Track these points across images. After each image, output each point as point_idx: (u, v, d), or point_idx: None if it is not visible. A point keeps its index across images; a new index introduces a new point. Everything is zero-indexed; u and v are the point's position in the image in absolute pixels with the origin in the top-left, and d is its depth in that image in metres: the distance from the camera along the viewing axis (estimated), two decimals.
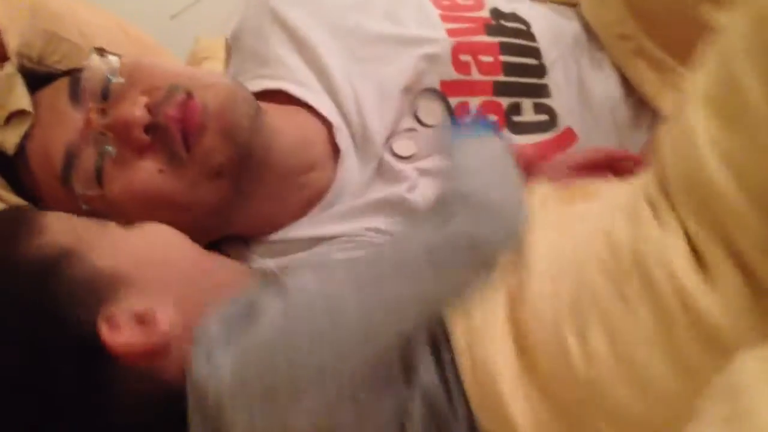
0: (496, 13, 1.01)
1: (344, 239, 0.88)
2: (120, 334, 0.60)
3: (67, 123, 0.81)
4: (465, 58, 0.94)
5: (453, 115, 0.93)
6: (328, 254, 0.87)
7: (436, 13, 0.97)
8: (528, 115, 0.95)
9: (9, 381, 0.60)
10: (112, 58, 0.85)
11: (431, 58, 0.93)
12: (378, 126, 0.91)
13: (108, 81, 0.82)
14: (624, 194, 0.65)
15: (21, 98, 0.84)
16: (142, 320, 0.61)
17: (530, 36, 0.99)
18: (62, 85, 0.84)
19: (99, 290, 0.62)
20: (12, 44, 0.87)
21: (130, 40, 1.20)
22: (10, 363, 0.60)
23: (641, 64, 0.95)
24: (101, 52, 0.86)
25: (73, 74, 0.84)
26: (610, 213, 0.62)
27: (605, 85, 0.98)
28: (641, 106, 0.98)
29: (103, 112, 0.82)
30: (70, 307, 0.60)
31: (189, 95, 0.82)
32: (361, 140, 0.92)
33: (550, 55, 0.98)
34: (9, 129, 0.84)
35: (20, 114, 0.84)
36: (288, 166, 0.89)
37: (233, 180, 0.83)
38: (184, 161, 0.80)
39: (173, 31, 1.80)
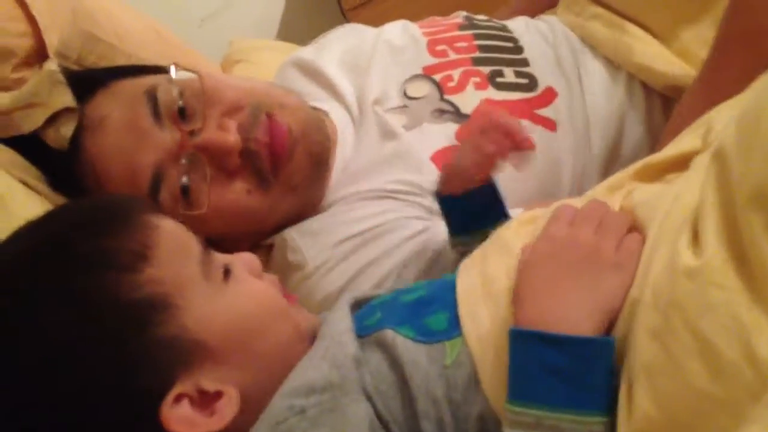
0: (469, 17, 1.14)
1: (364, 192, 0.92)
2: (180, 416, 0.56)
3: (153, 143, 0.83)
4: (440, 47, 1.06)
5: (440, 90, 1.00)
6: (351, 205, 0.91)
7: (416, 27, 1.12)
8: (510, 77, 1.01)
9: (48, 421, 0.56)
10: (188, 75, 0.87)
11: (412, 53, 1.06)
12: (376, 91, 1.02)
13: (185, 100, 0.84)
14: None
15: (64, 96, 0.86)
16: (206, 400, 0.57)
17: (504, 28, 1.09)
18: (138, 101, 0.85)
19: (178, 359, 0.57)
20: (53, 43, 0.88)
21: (162, 41, 1.22)
22: (53, 402, 0.55)
23: (596, 25, 1.03)
24: (177, 68, 0.88)
25: (149, 92, 0.85)
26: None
27: (594, 66, 1.02)
28: (632, 86, 1.00)
29: (191, 133, 0.84)
30: (144, 371, 0.56)
31: (269, 115, 0.87)
32: (359, 114, 1.02)
33: (524, 38, 1.06)
34: (58, 126, 0.86)
35: (67, 111, 0.86)
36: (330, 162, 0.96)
37: (307, 191, 0.91)
38: (270, 182, 0.87)
39: (203, 34, 1.82)
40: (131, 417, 0.56)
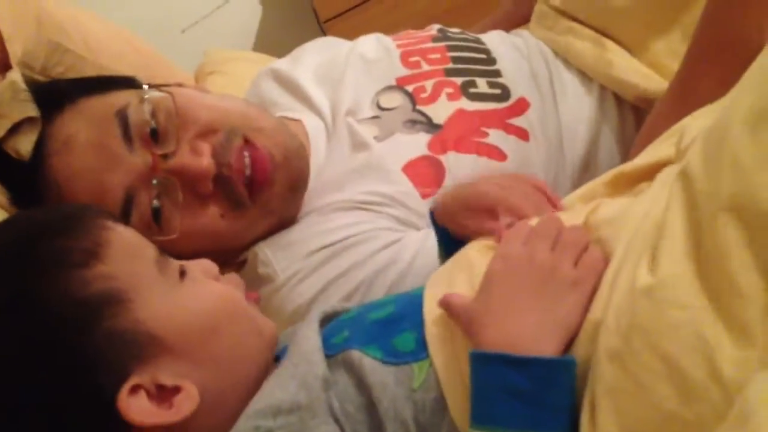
0: (442, 30, 1.14)
1: (336, 203, 0.91)
2: (138, 407, 0.55)
3: (123, 166, 0.81)
4: (414, 58, 1.06)
5: (413, 100, 0.99)
6: (324, 216, 0.90)
7: (390, 40, 1.12)
8: (482, 88, 1.01)
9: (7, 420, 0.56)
10: (160, 95, 0.85)
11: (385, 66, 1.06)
12: (349, 102, 1.02)
13: (158, 121, 0.82)
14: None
15: (26, 106, 0.84)
16: (165, 394, 0.57)
17: (477, 41, 1.10)
18: (108, 122, 0.82)
19: (133, 352, 0.56)
20: (16, 53, 0.87)
21: (137, 53, 1.21)
22: (14, 402, 0.55)
23: (571, 38, 1.04)
24: (150, 88, 0.86)
25: (120, 112, 0.82)
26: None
27: (567, 77, 1.02)
28: (605, 97, 1.01)
29: (164, 156, 0.82)
30: (97, 364, 0.56)
31: (247, 141, 0.86)
32: (332, 124, 1.01)
33: (498, 49, 1.07)
34: (20, 137, 0.84)
35: (30, 121, 0.84)
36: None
37: (285, 212, 0.90)
38: (246, 206, 0.86)
39: (183, 46, 1.81)
40: (90, 411, 0.56)
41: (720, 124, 0.52)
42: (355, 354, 0.60)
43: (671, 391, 0.46)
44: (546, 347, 0.52)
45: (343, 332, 0.64)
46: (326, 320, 0.68)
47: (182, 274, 0.63)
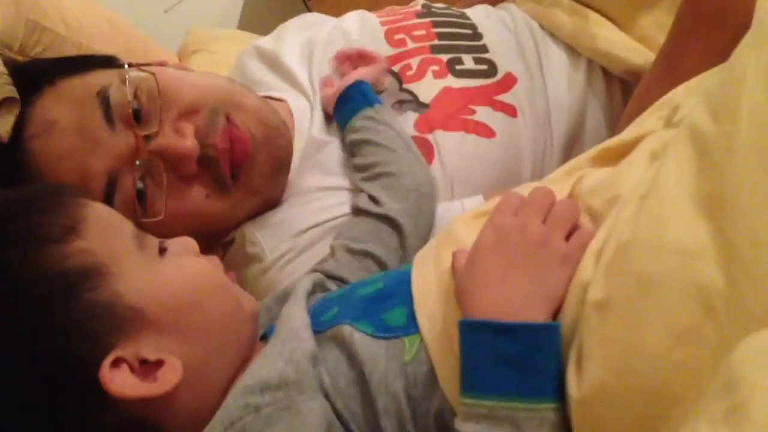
0: (426, 5, 1.13)
1: (324, 185, 0.91)
2: (121, 380, 0.55)
3: (106, 148, 0.80)
4: (399, 36, 1.05)
5: (399, 80, 1.00)
6: (312, 195, 0.90)
7: (374, 17, 1.11)
8: (469, 64, 1.00)
9: None
10: (142, 75, 0.83)
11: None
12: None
13: (140, 101, 0.81)
14: None
15: (4, 86, 0.82)
16: (147, 368, 0.57)
17: (463, 16, 1.09)
18: (89, 104, 0.81)
19: (114, 325, 0.56)
20: None
21: (118, 32, 1.19)
22: None
23: (558, 12, 1.03)
24: (132, 68, 0.84)
25: (101, 93, 0.81)
26: None
27: (554, 52, 1.02)
28: (592, 71, 1.01)
29: (146, 137, 0.80)
30: (78, 337, 0.55)
31: (229, 119, 0.85)
32: (316, 104, 1.02)
33: (484, 24, 1.06)
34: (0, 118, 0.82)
35: (8, 101, 0.82)
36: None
37: (269, 192, 0.90)
38: (230, 187, 0.85)
39: (166, 25, 1.79)
40: (72, 384, 0.55)
41: (728, 81, 0.52)
42: (346, 329, 0.60)
43: (664, 335, 0.46)
44: (534, 315, 0.52)
45: (332, 309, 0.64)
46: (312, 292, 0.67)
47: (162, 251, 0.63)
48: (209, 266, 0.65)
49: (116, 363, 0.56)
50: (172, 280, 0.61)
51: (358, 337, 0.59)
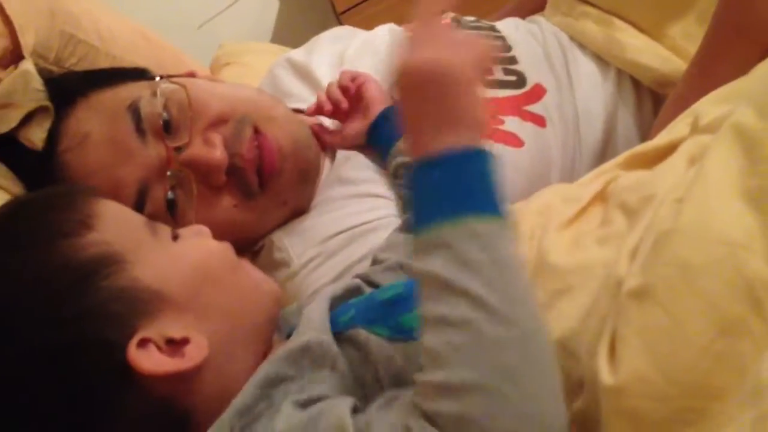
0: (456, 18, 1.14)
1: (353, 191, 0.91)
2: (149, 358, 0.56)
3: (137, 160, 0.81)
4: None
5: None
6: (339, 203, 0.90)
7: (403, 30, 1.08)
8: (498, 75, 1.00)
9: (15, 390, 0.56)
10: (172, 87, 0.85)
11: None
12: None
13: (170, 113, 0.82)
14: None
15: (39, 95, 0.84)
16: (174, 346, 0.58)
17: (492, 28, 1.09)
18: (120, 116, 0.82)
19: (136, 308, 0.57)
20: (28, 43, 0.87)
21: (151, 46, 1.21)
22: (22, 367, 0.56)
23: (587, 23, 1.03)
24: (162, 80, 0.86)
25: (132, 106, 0.82)
26: None
27: (583, 63, 1.01)
28: (622, 81, 1.00)
29: (177, 149, 0.82)
30: (102, 322, 0.56)
31: (256, 129, 0.86)
32: None
33: (513, 36, 1.06)
34: (34, 126, 0.84)
35: (42, 111, 0.84)
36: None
37: (297, 202, 0.91)
38: (257, 197, 0.86)
39: (200, 41, 1.81)
40: (102, 369, 0.56)
41: None
42: (362, 333, 0.60)
43: (707, 326, 0.46)
44: (448, 138, 0.51)
45: (349, 312, 0.64)
46: (336, 302, 0.67)
47: (175, 237, 0.65)
48: (221, 246, 0.67)
49: (142, 343, 0.56)
50: (187, 259, 0.63)
51: (374, 339, 0.59)
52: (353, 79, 0.97)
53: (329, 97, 0.98)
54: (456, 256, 0.47)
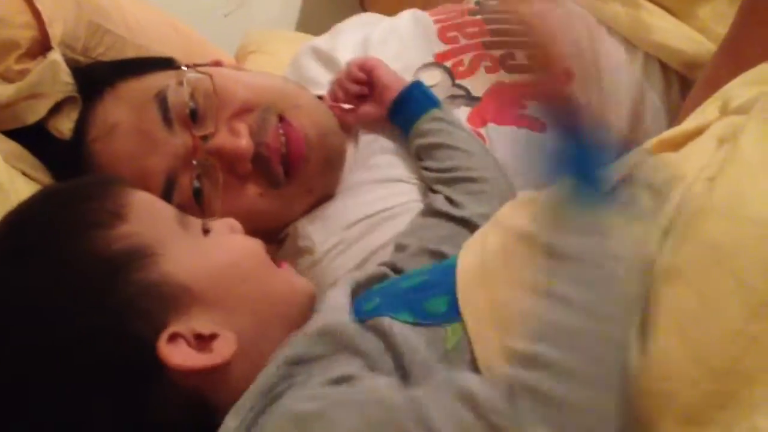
0: (480, 2, 1.13)
1: (376, 177, 0.91)
2: (179, 353, 0.56)
3: (164, 149, 0.82)
4: (451, 33, 1.05)
5: (452, 76, 0.98)
6: (362, 189, 0.90)
7: (427, 15, 1.10)
8: (522, 60, 0.98)
9: (40, 383, 0.56)
10: (198, 76, 0.85)
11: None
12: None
13: (196, 102, 0.83)
14: None
15: (67, 86, 0.85)
16: (203, 342, 0.58)
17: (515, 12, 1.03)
18: (147, 106, 0.83)
19: (166, 303, 0.58)
20: (56, 34, 0.88)
21: (178, 35, 1.21)
22: (47, 360, 0.56)
23: (614, 5, 1.01)
24: (189, 69, 0.87)
25: (159, 95, 0.83)
26: None
27: (611, 45, 1.00)
28: (649, 64, 0.99)
29: (203, 138, 0.83)
30: (132, 316, 0.56)
31: (281, 118, 0.86)
32: None
33: None
34: (62, 116, 0.85)
35: (70, 100, 0.85)
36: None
37: (323, 189, 0.91)
38: (282, 186, 0.86)
39: (226, 29, 1.82)
40: (131, 364, 0.56)
41: None
42: (386, 321, 0.59)
43: (740, 308, 0.45)
44: None
45: (374, 299, 0.64)
46: (359, 289, 0.67)
47: (206, 231, 0.65)
48: (253, 243, 0.67)
49: (172, 338, 0.57)
50: (217, 256, 0.63)
51: (398, 327, 0.59)
52: (361, 67, 0.96)
53: (343, 90, 0.97)
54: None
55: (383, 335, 0.59)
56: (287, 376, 0.55)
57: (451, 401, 0.47)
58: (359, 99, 0.96)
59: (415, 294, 0.63)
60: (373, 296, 0.65)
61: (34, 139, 0.86)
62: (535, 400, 0.45)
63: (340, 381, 0.53)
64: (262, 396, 0.55)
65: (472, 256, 0.63)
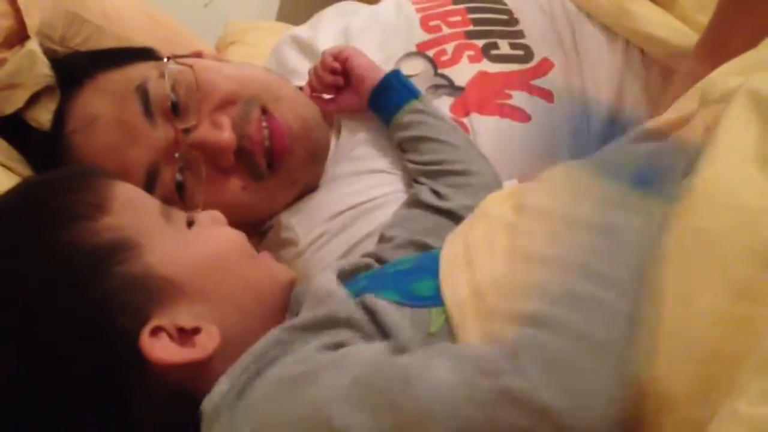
0: None
1: (359, 169, 0.91)
2: (161, 347, 0.56)
3: (145, 142, 0.81)
4: (434, 22, 1.04)
5: (434, 65, 0.98)
6: (345, 180, 0.90)
7: (409, 4, 1.08)
8: (504, 49, 0.99)
9: (24, 377, 0.56)
10: (180, 68, 0.84)
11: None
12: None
13: (178, 94, 0.82)
14: None
15: (45, 75, 0.84)
16: (185, 336, 0.58)
17: (498, 1, 1.06)
18: (128, 98, 0.82)
19: (149, 296, 0.57)
20: (33, 23, 0.86)
21: (157, 25, 1.20)
22: (31, 354, 0.55)
23: None
24: (169, 60, 0.86)
25: (140, 87, 0.82)
26: None
27: (591, 35, 1.00)
28: (630, 53, 0.99)
29: (185, 131, 0.82)
30: (115, 310, 0.56)
31: (264, 110, 0.86)
32: None
33: (521, 9, 1.04)
34: (40, 107, 0.84)
35: (48, 90, 0.84)
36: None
37: (306, 181, 0.90)
38: (265, 179, 0.85)
39: (206, 19, 1.80)
40: (113, 357, 0.56)
41: None
42: (370, 297, 0.59)
43: (724, 291, 0.46)
44: None
45: (360, 283, 0.64)
46: (344, 276, 0.67)
47: (190, 224, 0.65)
48: (236, 235, 0.67)
49: (155, 332, 0.56)
50: (201, 249, 0.63)
51: (382, 304, 0.59)
52: (336, 56, 0.94)
53: (318, 80, 0.95)
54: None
55: (370, 312, 0.59)
56: (282, 342, 0.56)
57: (451, 362, 0.48)
58: (338, 89, 0.95)
59: (402, 276, 0.63)
60: (359, 281, 0.65)
61: (11, 130, 0.85)
62: (542, 359, 0.45)
63: (334, 347, 0.54)
64: (255, 360, 0.55)
65: (456, 245, 0.63)
